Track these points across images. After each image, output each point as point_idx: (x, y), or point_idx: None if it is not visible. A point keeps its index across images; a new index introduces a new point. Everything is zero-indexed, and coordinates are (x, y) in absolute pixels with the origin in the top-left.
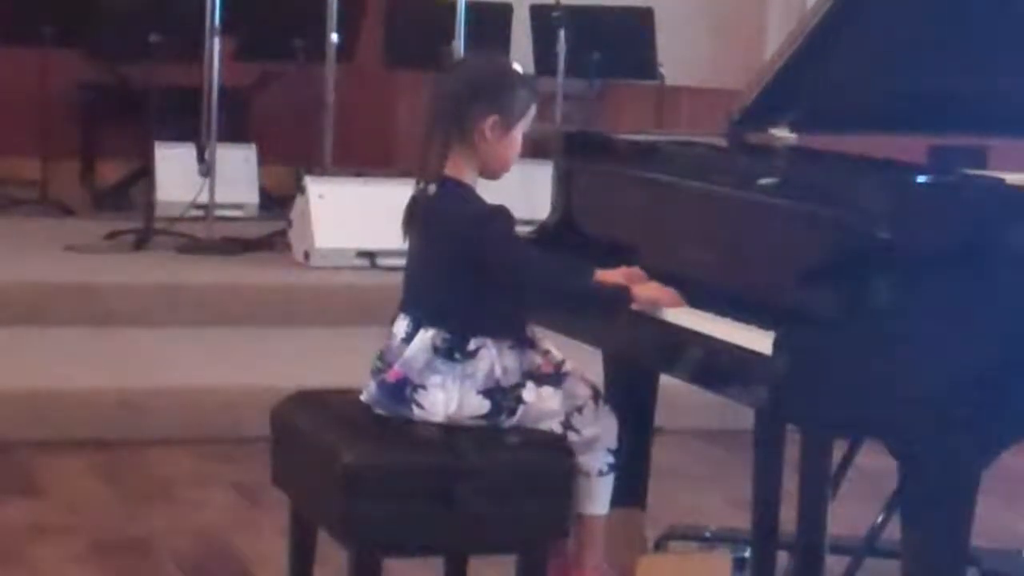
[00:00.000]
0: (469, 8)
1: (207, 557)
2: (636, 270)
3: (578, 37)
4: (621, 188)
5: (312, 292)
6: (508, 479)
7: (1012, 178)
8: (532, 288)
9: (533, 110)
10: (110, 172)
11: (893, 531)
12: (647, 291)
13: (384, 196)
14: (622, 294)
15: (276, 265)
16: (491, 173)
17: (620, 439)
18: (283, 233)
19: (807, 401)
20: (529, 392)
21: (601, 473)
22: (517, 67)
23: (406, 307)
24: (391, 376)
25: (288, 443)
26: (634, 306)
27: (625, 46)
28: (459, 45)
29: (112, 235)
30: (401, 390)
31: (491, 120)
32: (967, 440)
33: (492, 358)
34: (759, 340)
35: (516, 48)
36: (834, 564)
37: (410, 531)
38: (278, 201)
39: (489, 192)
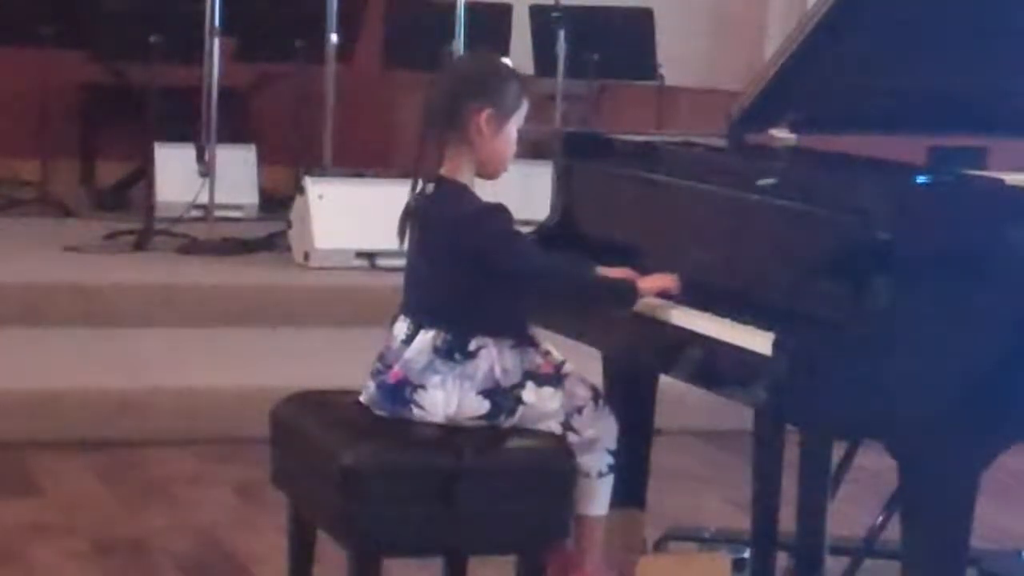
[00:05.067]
0: (469, 8)
1: (207, 557)
2: (630, 271)
3: (578, 37)
4: (621, 188)
5: (312, 292)
6: (508, 479)
7: (1012, 178)
8: (535, 281)
9: (526, 106)
10: (110, 172)
11: (893, 531)
12: (651, 281)
13: (384, 196)
14: (627, 285)
15: (276, 265)
16: (488, 171)
17: (620, 440)
18: (283, 234)
19: (807, 401)
20: (529, 393)
21: (601, 474)
22: (507, 61)
23: (406, 309)
24: (391, 377)
25: (288, 443)
26: (640, 294)
27: (625, 46)
28: (459, 45)
29: (112, 235)
30: (401, 391)
31: (486, 113)
32: (966, 441)
33: (493, 358)
34: (759, 340)
35: (516, 48)
36: (834, 564)
37: (410, 531)
38: (278, 202)
39: (488, 192)
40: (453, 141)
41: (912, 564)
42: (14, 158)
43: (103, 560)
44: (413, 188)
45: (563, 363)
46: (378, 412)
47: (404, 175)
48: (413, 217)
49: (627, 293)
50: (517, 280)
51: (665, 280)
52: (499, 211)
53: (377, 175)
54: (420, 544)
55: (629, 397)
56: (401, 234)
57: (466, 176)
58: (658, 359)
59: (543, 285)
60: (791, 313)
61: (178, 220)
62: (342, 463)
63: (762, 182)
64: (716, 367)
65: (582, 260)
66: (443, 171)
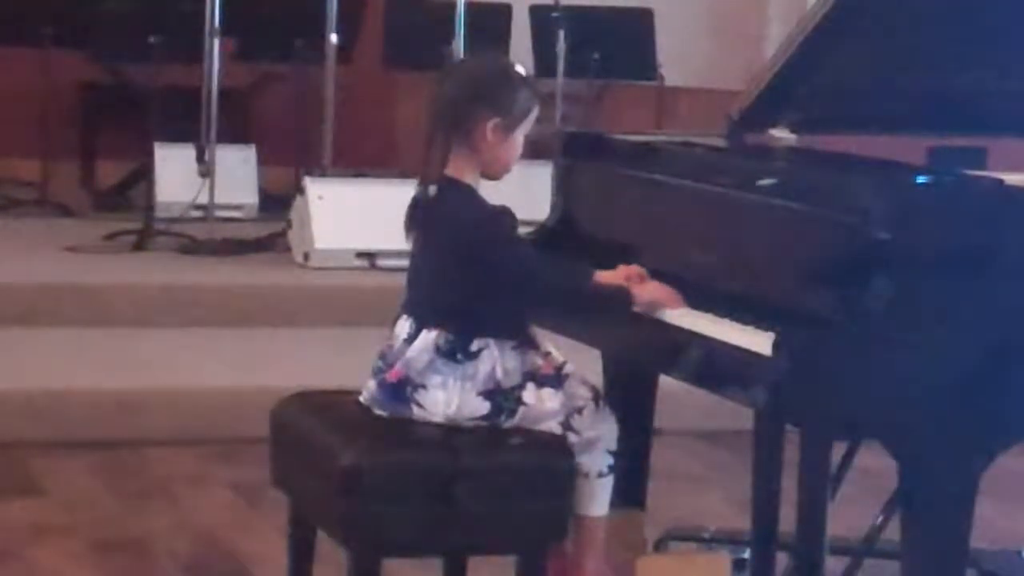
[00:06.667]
0: (469, 8)
1: (206, 557)
2: (635, 268)
3: (578, 37)
4: (621, 188)
5: (312, 293)
6: (508, 480)
7: (1012, 178)
8: (533, 290)
9: (535, 112)
10: (110, 172)
11: (893, 531)
12: (647, 292)
13: (384, 197)
14: (622, 295)
15: (276, 266)
16: (492, 174)
17: (620, 440)
18: (283, 234)
19: (806, 402)
20: (529, 394)
21: (601, 474)
22: (520, 68)
23: (408, 308)
24: (392, 375)
25: (288, 443)
26: (635, 308)
27: (625, 46)
28: (459, 45)
29: (112, 236)
30: (402, 389)
31: (493, 123)
32: (966, 441)
33: (494, 359)
34: (759, 341)
35: (516, 48)
36: (834, 564)
37: (410, 531)
38: (278, 202)
39: (489, 192)
40: (458, 144)
41: (912, 564)
42: (14, 158)
43: (103, 560)
44: (418, 187)
45: (564, 364)
46: (378, 411)
47: (404, 175)
48: (417, 217)
49: (622, 305)
50: (515, 286)
51: (662, 292)
52: (504, 215)
53: (377, 175)
54: (420, 544)
55: (629, 397)
56: (408, 231)
57: (470, 177)
58: (658, 359)
59: (540, 294)
60: (791, 313)
61: (178, 220)
62: (342, 463)
63: (762, 182)
64: (716, 367)
65: (582, 267)
66: (448, 172)
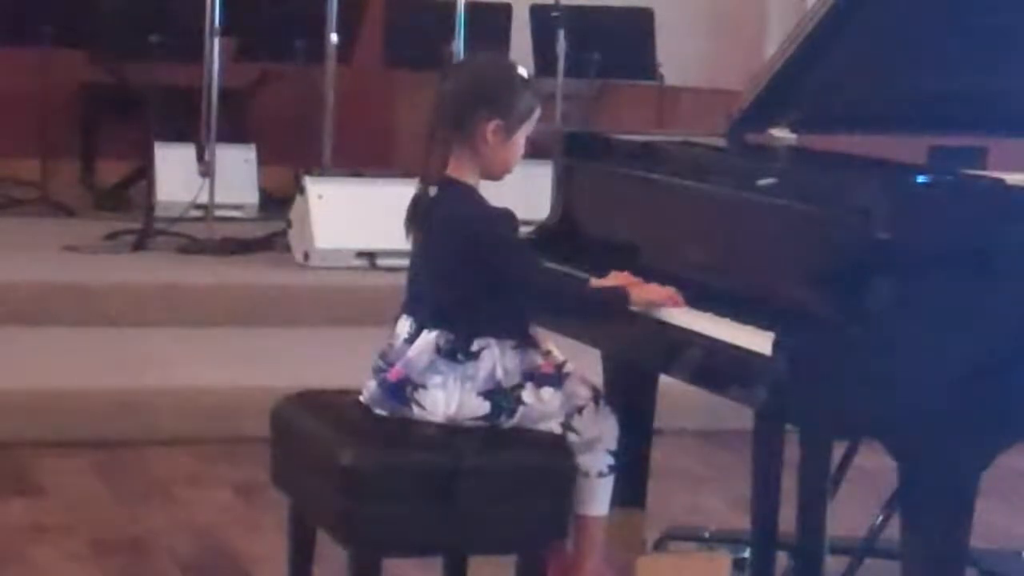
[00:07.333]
0: (469, 8)
1: (206, 557)
2: (628, 276)
3: (578, 37)
4: (621, 188)
5: (312, 292)
6: (508, 479)
7: (1012, 178)
8: (531, 295)
9: (537, 114)
10: (110, 172)
11: (893, 531)
12: (644, 293)
13: (384, 196)
14: (620, 297)
15: (276, 265)
16: (493, 175)
17: (620, 440)
18: (283, 233)
19: (806, 402)
20: (529, 393)
21: (601, 474)
22: (522, 70)
23: (409, 308)
24: (392, 375)
25: (288, 443)
26: (632, 307)
27: (625, 46)
28: (459, 45)
29: (112, 235)
30: (402, 389)
31: (493, 124)
32: (966, 441)
33: (495, 359)
34: (758, 340)
35: (516, 48)
36: (834, 564)
37: (410, 531)
38: (278, 201)
39: (489, 192)
40: (458, 144)
41: (912, 564)
42: (14, 158)
43: (103, 560)
44: (419, 186)
45: (564, 363)
46: (378, 410)
47: (404, 175)
48: (418, 216)
49: (618, 304)
50: (513, 289)
51: (659, 293)
52: (504, 217)
53: (377, 175)
54: (420, 544)
55: (629, 397)
56: (408, 230)
57: (471, 178)
58: (658, 359)
59: (537, 298)
60: (791, 313)
61: (178, 220)
62: (342, 463)
63: (762, 182)
64: (716, 367)
65: (578, 279)
66: (448, 172)
